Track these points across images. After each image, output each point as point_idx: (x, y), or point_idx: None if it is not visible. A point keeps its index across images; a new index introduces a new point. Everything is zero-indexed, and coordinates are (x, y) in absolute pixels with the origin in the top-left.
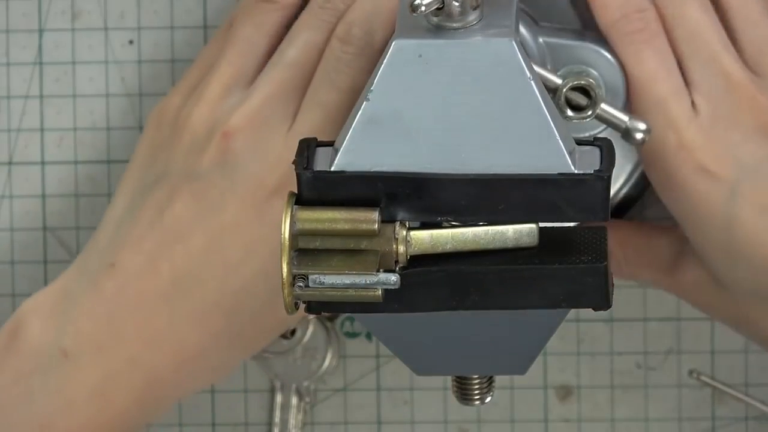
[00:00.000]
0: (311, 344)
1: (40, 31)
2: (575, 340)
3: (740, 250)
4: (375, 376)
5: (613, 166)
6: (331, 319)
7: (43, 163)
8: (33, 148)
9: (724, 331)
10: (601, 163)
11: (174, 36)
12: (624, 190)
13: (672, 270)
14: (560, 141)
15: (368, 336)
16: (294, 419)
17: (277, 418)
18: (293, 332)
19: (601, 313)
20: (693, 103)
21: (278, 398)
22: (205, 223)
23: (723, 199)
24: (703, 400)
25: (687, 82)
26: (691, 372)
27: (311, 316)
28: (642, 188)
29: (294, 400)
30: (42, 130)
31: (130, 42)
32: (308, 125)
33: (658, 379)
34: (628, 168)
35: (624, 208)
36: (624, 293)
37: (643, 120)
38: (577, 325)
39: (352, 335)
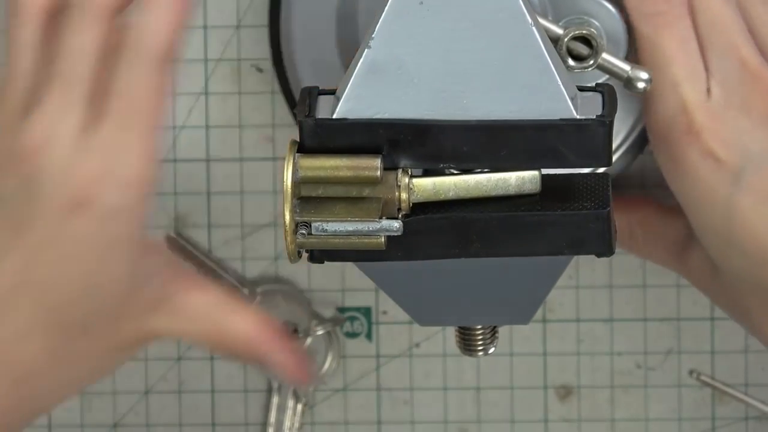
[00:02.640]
0: (312, 347)
1: None
2: (575, 340)
3: (737, 237)
4: (375, 376)
5: (615, 111)
6: (334, 325)
7: None
8: None
9: (724, 331)
10: (603, 108)
11: None
12: (626, 144)
13: (681, 253)
14: (562, 86)
15: (368, 336)
16: (289, 421)
17: (272, 419)
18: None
19: (601, 313)
20: (708, 90)
21: (275, 399)
22: (16, 244)
23: (726, 186)
24: (703, 400)
25: (706, 69)
26: (691, 372)
27: (319, 332)
28: (643, 142)
29: (290, 402)
30: None
31: None
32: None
33: (658, 379)
34: (630, 121)
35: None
36: (624, 293)
37: (645, 69)
38: (577, 325)
39: (353, 335)
